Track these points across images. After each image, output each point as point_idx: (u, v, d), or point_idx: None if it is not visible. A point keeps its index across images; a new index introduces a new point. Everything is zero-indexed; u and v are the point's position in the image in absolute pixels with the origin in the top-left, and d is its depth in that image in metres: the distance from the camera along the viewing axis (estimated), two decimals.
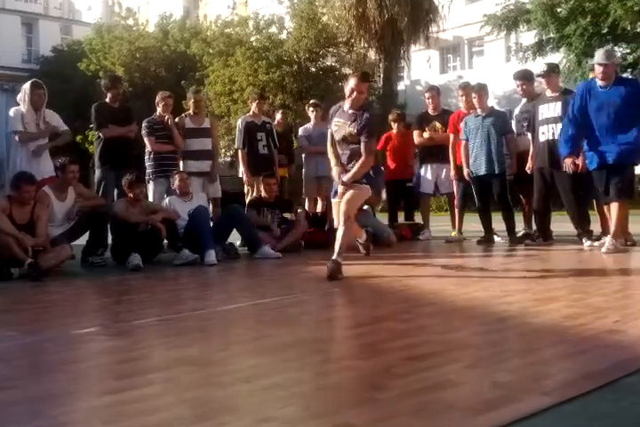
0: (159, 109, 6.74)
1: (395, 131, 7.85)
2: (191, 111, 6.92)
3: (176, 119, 6.85)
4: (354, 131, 4.41)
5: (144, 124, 6.66)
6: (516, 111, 6.86)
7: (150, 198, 6.44)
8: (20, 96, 6.10)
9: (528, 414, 1.60)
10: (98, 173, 6.55)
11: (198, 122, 6.86)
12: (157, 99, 6.82)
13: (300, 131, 7.80)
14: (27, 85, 6.10)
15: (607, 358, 2.12)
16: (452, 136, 6.95)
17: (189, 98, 7.15)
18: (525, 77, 6.62)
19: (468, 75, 22.01)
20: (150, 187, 6.59)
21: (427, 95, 7.55)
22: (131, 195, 5.72)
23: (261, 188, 6.75)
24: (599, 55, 5.41)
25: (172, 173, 6.41)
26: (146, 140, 6.65)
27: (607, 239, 5.40)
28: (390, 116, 8.01)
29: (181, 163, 6.77)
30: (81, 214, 5.63)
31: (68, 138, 6.43)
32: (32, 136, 6.02)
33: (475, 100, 6.54)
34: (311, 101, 8.24)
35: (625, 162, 5.32)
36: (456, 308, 3.19)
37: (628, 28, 13.05)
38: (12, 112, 6.08)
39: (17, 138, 6.04)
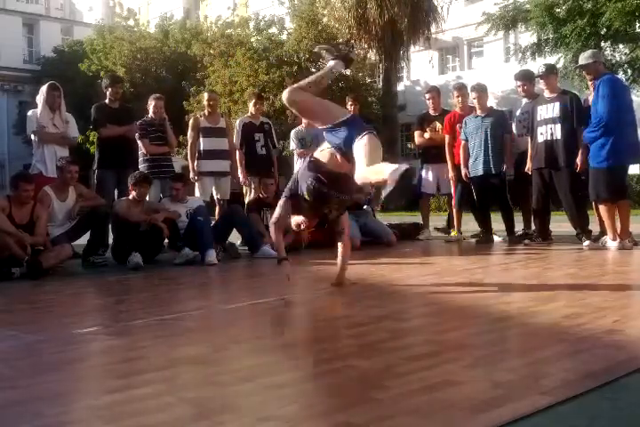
0: (150, 111, 6.81)
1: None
2: (206, 111, 6.98)
3: (191, 119, 6.97)
4: None
5: (138, 127, 6.69)
6: (518, 112, 6.86)
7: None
8: (37, 98, 6.34)
9: (527, 414, 1.60)
10: (98, 172, 6.59)
11: (214, 121, 6.92)
12: (149, 101, 6.90)
13: (292, 133, 7.73)
14: (43, 87, 6.39)
15: (607, 357, 2.12)
16: (447, 137, 6.96)
17: (203, 97, 7.22)
18: (526, 78, 6.63)
19: (467, 75, 22.04)
20: None
21: (427, 96, 7.54)
22: (134, 194, 5.71)
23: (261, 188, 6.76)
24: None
25: (166, 176, 6.49)
26: (140, 142, 6.67)
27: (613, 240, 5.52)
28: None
29: (195, 162, 6.79)
30: (82, 214, 5.64)
31: (72, 143, 6.55)
32: (51, 137, 6.21)
33: (475, 101, 6.56)
34: None
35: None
36: (456, 308, 3.19)
37: (621, 29, 13.03)
38: (29, 114, 6.32)
39: (35, 137, 6.25)
